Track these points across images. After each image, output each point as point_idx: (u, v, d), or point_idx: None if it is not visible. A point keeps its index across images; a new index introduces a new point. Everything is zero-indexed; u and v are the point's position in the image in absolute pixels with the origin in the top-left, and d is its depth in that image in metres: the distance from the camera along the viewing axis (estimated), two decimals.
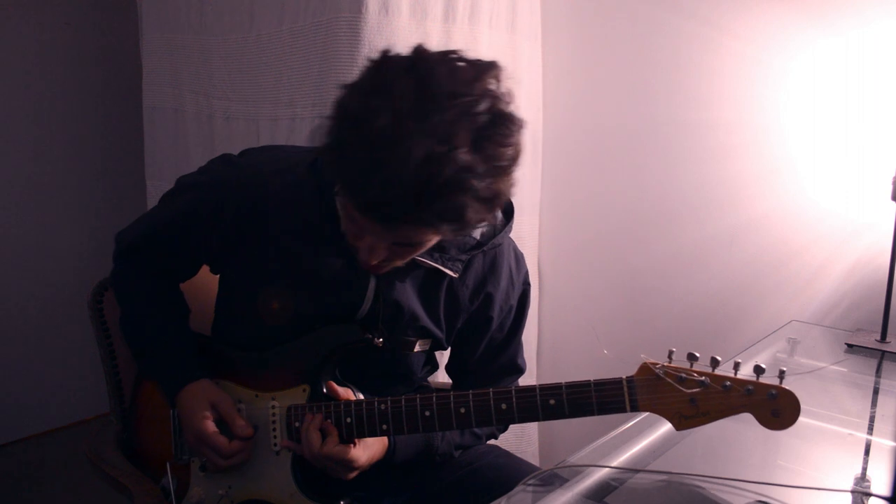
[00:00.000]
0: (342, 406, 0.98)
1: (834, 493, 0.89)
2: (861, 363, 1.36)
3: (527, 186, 1.95)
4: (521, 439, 2.00)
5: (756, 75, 1.62)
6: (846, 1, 1.49)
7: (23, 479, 2.47)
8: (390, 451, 1.05)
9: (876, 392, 1.24)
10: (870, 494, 0.88)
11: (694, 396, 0.83)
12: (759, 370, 0.82)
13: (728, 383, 0.82)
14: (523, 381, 1.23)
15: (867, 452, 1.03)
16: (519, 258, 1.16)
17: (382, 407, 0.96)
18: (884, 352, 1.37)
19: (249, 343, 1.08)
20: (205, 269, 1.14)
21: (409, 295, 1.04)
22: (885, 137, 1.45)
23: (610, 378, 0.87)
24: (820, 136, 1.55)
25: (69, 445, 2.67)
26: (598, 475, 0.92)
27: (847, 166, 1.51)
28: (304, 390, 1.03)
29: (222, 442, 1.00)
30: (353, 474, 1.00)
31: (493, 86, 0.81)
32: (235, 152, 1.11)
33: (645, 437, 1.00)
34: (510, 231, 1.11)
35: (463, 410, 0.93)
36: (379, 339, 1.03)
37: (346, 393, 1.02)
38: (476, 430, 1.15)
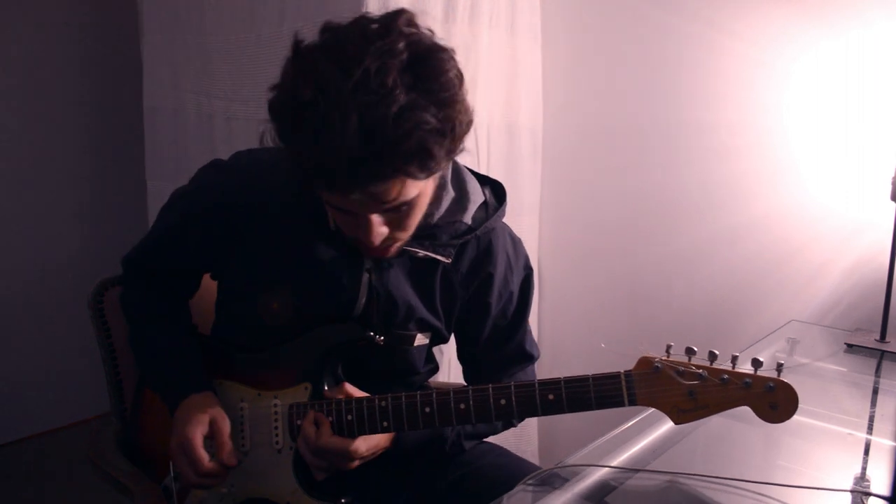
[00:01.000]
0: (343, 404, 0.99)
1: (834, 492, 0.89)
2: (861, 363, 1.36)
3: (527, 186, 1.96)
4: (521, 439, 2.00)
5: (758, 76, 1.63)
6: (847, 3, 1.49)
7: (23, 479, 2.47)
8: (398, 437, 1.04)
9: (875, 392, 1.24)
10: (869, 494, 0.88)
11: (692, 389, 0.83)
12: (756, 363, 0.82)
13: (726, 376, 0.82)
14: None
15: (867, 452, 1.03)
16: (516, 242, 1.15)
17: (383, 404, 0.96)
18: (883, 351, 1.37)
19: (250, 343, 1.08)
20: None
21: (403, 287, 1.04)
22: (885, 137, 1.45)
23: (608, 372, 0.87)
24: (820, 137, 1.55)
25: (69, 445, 2.67)
26: (598, 475, 0.92)
27: (847, 166, 1.52)
28: (305, 388, 1.03)
29: (203, 457, 0.99)
30: (355, 464, 0.99)
31: (406, 28, 0.81)
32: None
33: (645, 436, 1.00)
34: (503, 215, 1.10)
35: (462, 406, 0.93)
36: (380, 336, 1.03)
37: (350, 389, 1.02)
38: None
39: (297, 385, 1.04)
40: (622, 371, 0.87)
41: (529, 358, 1.19)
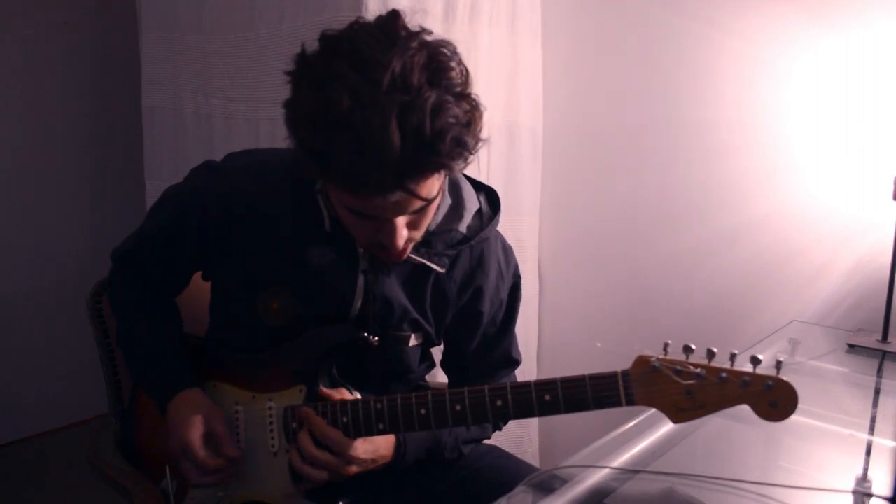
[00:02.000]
0: (338, 406, 0.98)
1: (835, 493, 0.89)
2: (862, 363, 1.36)
3: (527, 186, 1.95)
4: (522, 440, 1.99)
5: (758, 76, 1.62)
6: (847, 3, 1.49)
7: (23, 479, 2.47)
8: (400, 452, 1.04)
9: (877, 392, 1.24)
10: (871, 495, 0.88)
11: (690, 388, 0.82)
12: (755, 361, 0.81)
13: (724, 375, 0.81)
14: (520, 374, 1.23)
15: (868, 453, 1.03)
16: (507, 251, 1.16)
17: (378, 406, 0.96)
18: (885, 352, 1.37)
19: (245, 345, 1.08)
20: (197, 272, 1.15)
21: (396, 290, 1.04)
22: (886, 137, 1.45)
23: (605, 372, 0.87)
24: (821, 136, 1.55)
25: (69, 445, 2.67)
26: (598, 476, 0.91)
27: (848, 166, 1.51)
28: (300, 391, 1.02)
29: (206, 456, 0.99)
30: (354, 469, 0.99)
31: (406, 28, 0.83)
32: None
33: (645, 437, 1.00)
34: (497, 224, 1.10)
35: (459, 408, 0.93)
36: (375, 337, 1.02)
37: (342, 393, 1.02)
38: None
39: (292, 387, 1.03)
40: (619, 371, 0.86)
41: (514, 363, 1.20)
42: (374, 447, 1.00)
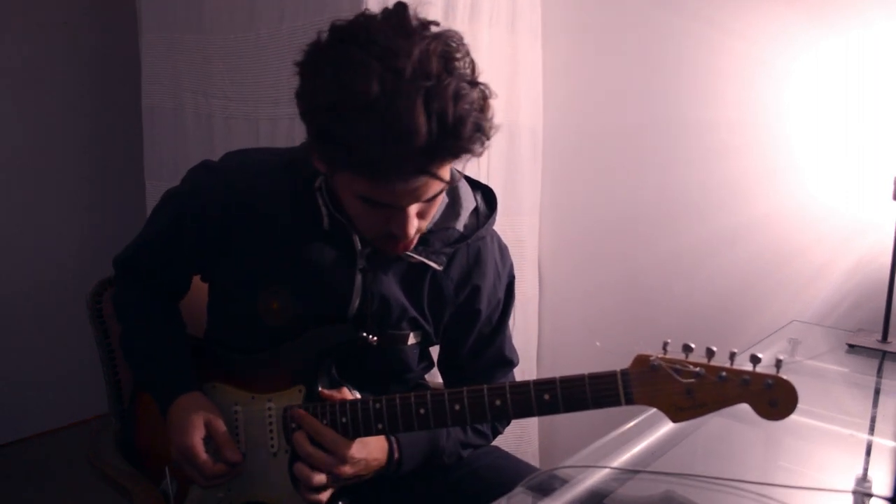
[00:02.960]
0: (337, 406, 0.98)
1: (835, 493, 0.89)
2: (862, 363, 1.36)
3: (527, 186, 1.95)
4: (521, 440, 1.99)
5: (758, 75, 1.62)
6: (847, 3, 1.49)
7: (23, 479, 2.47)
8: (393, 460, 1.03)
9: (877, 392, 1.24)
10: (871, 495, 0.87)
11: (689, 387, 0.82)
12: (755, 360, 0.80)
13: (724, 374, 0.81)
14: (520, 374, 1.23)
15: (868, 453, 1.03)
16: (503, 250, 1.16)
17: (377, 406, 0.96)
18: (885, 352, 1.37)
19: (243, 345, 1.08)
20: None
21: (394, 288, 1.04)
22: (886, 137, 1.45)
23: (604, 371, 0.87)
24: (821, 136, 1.55)
25: (69, 445, 2.67)
26: (598, 476, 0.91)
27: (848, 166, 1.51)
28: (299, 391, 1.02)
29: (207, 462, 0.99)
30: (348, 469, 0.97)
31: (417, 18, 0.84)
32: None
33: (645, 437, 1.00)
34: (493, 223, 1.11)
35: (458, 407, 0.92)
36: (373, 337, 1.02)
37: (343, 393, 1.02)
38: (481, 427, 1.15)
39: (291, 388, 1.03)
40: (618, 370, 0.86)
41: (510, 363, 1.20)
42: (368, 449, 1.00)
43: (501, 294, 1.14)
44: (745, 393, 0.81)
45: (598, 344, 1.72)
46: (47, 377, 2.71)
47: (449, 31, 0.85)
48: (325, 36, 0.85)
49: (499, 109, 2.00)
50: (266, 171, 1.03)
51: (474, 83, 0.83)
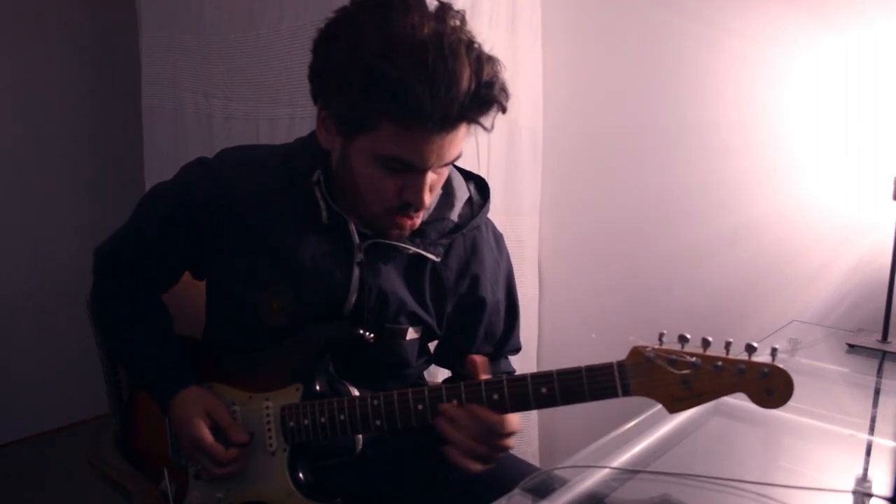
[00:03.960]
0: (335, 403, 0.98)
1: (835, 493, 0.89)
2: (862, 363, 1.35)
3: (527, 186, 1.95)
4: (521, 439, 1.99)
5: (758, 75, 1.62)
6: (847, 3, 1.49)
7: (23, 479, 2.47)
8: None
9: (877, 392, 1.24)
10: (871, 495, 0.87)
11: (686, 378, 0.81)
12: (750, 349, 0.80)
13: (719, 363, 0.80)
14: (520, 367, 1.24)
15: (868, 453, 1.03)
16: (498, 238, 1.17)
17: (375, 402, 0.96)
18: (885, 352, 1.36)
19: (242, 344, 1.08)
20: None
21: (394, 281, 1.04)
22: (886, 137, 1.45)
23: (600, 363, 0.86)
24: (821, 136, 1.55)
25: (69, 445, 2.67)
26: (598, 476, 0.91)
27: (848, 166, 1.51)
28: (297, 389, 1.02)
29: (219, 450, 1.00)
30: (511, 441, 0.98)
31: None
32: None
33: (645, 437, 1.00)
34: (488, 211, 1.12)
35: (455, 402, 0.92)
36: (371, 334, 1.02)
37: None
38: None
39: (288, 386, 1.03)
40: (615, 362, 0.86)
41: (517, 351, 1.23)
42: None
43: (502, 283, 1.15)
44: (741, 382, 0.80)
45: (593, 336, 1.72)
46: (47, 377, 2.71)
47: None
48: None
49: None
50: (262, 166, 1.03)
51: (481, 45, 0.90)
